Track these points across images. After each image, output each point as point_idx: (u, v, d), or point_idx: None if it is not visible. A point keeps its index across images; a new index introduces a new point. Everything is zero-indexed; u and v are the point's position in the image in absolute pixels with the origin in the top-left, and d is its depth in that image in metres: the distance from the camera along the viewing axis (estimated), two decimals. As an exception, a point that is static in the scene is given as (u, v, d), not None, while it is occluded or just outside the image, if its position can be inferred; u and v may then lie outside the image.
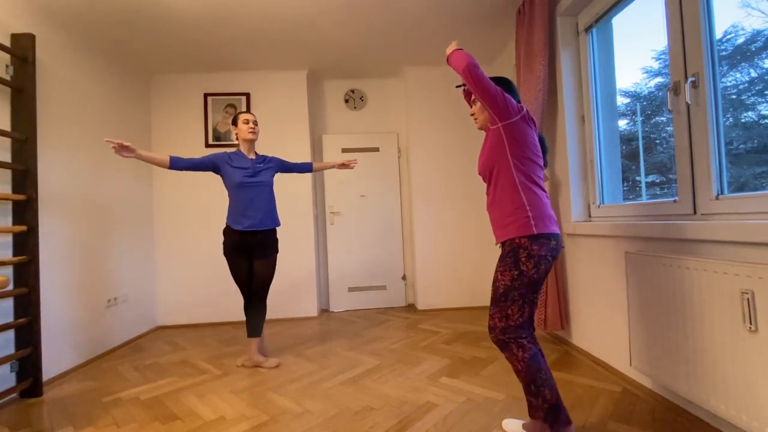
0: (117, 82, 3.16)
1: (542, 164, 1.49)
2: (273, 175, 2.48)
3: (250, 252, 2.41)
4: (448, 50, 1.49)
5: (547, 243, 1.37)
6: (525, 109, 1.45)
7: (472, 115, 1.60)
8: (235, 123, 2.44)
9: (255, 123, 2.43)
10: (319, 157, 3.99)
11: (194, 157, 2.38)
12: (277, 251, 2.48)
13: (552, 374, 1.34)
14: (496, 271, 1.43)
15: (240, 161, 2.39)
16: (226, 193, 2.49)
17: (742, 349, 1.29)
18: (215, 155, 2.38)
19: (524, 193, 1.40)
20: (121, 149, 2.03)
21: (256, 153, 2.47)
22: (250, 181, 2.36)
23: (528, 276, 1.35)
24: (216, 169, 2.39)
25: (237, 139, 2.45)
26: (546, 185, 2.57)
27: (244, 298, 2.48)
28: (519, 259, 1.36)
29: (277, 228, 2.49)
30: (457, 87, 1.71)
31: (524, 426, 1.49)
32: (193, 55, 3.29)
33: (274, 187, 2.47)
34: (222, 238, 2.44)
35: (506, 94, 1.42)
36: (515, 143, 1.42)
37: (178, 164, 2.27)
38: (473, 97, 1.59)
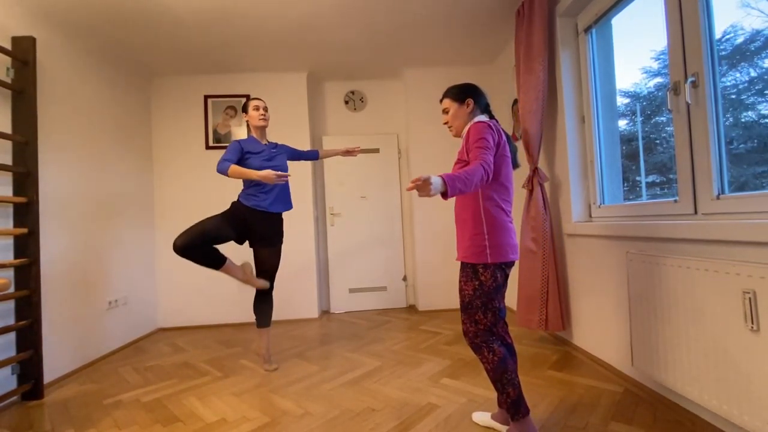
0: (117, 84, 3.17)
1: (512, 188, 1.54)
2: (286, 161, 2.48)
3: (253, 233, 2.34)
4: (427, 192, 1.17)
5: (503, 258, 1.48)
6: (497, 137, 1.47)
7: (445, 123, 1.65)
8: (245, 110, 2.42)
9: (266, 109, 2.41)
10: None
11: (225, 163, 2.21)
12: (282, 240, 2.46)
13: (517, 373, 1.49)
14: (460, 280, 1.53)
15: (255, 146, 2.36)
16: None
17: (744, 349, 1.29)
18: (234, 150, 2.25)
19: (486, 221, 1.47)
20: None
21: (267, 140, 2.47)
22: (268, 165, 2.35)
23: (487, 285, 1.47)
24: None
25: (248, 126, 2.44)
26: (546, 186, 2.58)
27: (182, 245, 2.09)
28: (477, 271, 1.47)
29: (283, 214, 2.45)
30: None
31: (493, 416, 1.65)
32: (194, 57, 3.30)
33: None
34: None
35: (488, 149, 1.38)
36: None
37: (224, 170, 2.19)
38: (445, 107, 1.64)
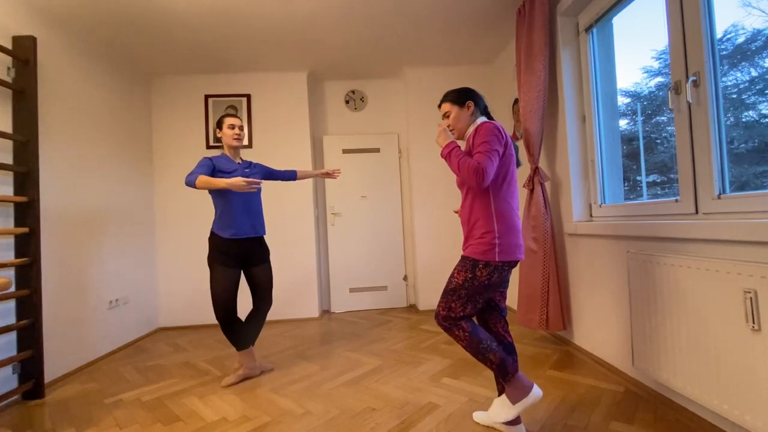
0: (118, 84, 3.17)
1: (516, 185, 1.57)
2: (260, 181, 2.41)
3: (246, 260, 2.28)
4: (438, 140, 1.58)
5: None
6: (504, 137, 1.48)
7: (447, 126, 1.64)
8: (219, 126, 2.31)
9: (241, 128, 2.32)
10: (320, 157, 3.99)
11: (194, 175, 2.14)
12: (269, 252, 2.40)
13: (491, 338, 1.50)
14: (455, 268, 1.54)
15: (227, 165, 2.26)
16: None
17: (744, 349, 1.29)
18: (204, 165, 2.17)
19: (497, 221, 1.49)
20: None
21: (241, 158, 2.37)
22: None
23: (480, 281, 1.47)
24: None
25: (222, 142, 2.34)
26: (547, 185, 2.58)
27: (224, 315, 2.19)
28: (477, 265, 1.48)
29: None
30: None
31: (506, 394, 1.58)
32: (194, 56, 3.30)
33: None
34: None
35: (493, 153, 1.42)
36: (497, 176, 1.49)
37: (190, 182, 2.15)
38: (445, 111, 1.65)
